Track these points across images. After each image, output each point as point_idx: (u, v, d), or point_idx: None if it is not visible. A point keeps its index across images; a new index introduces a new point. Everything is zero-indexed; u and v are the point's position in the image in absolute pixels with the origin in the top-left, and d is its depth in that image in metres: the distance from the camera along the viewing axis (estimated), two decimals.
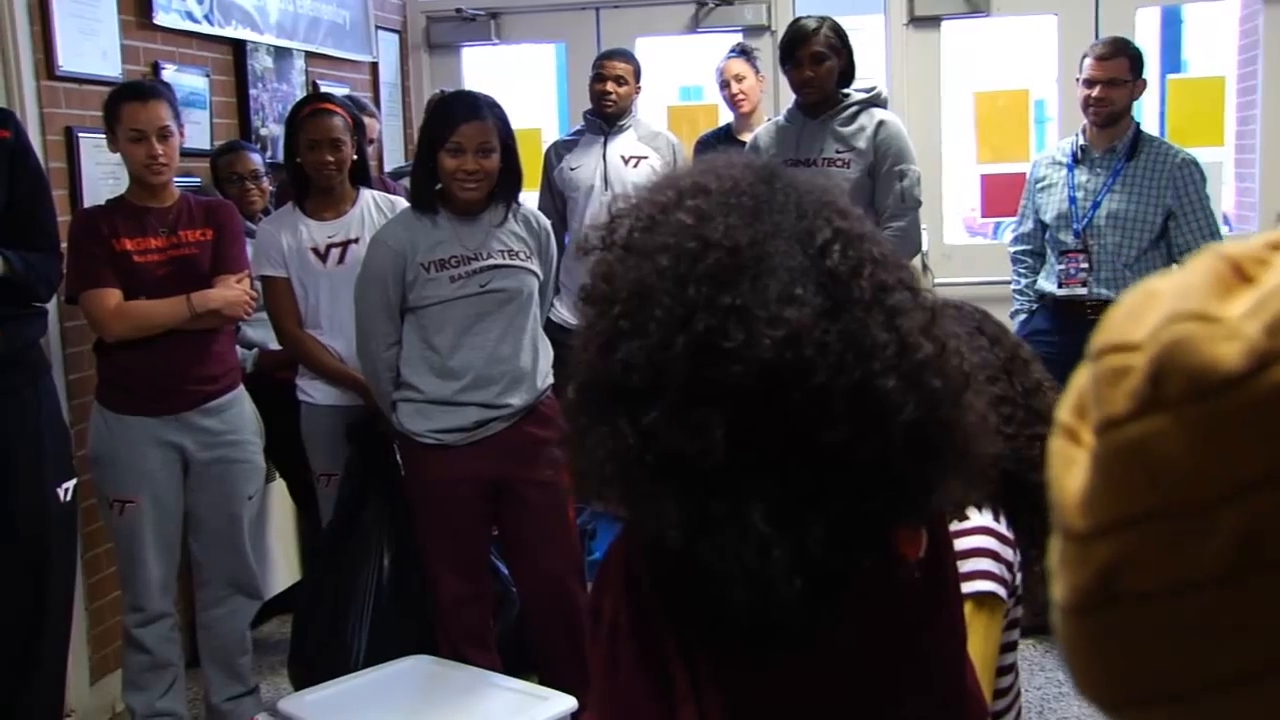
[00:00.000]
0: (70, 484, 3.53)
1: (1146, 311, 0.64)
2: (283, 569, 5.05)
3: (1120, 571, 0.62)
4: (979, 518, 1.93)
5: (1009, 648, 2.00)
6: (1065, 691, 4.27)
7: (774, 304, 1.17)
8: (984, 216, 7.16)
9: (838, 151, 4.40)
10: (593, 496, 1.33)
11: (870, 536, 1.28)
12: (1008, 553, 1.97)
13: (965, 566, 1.77)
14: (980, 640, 1.79)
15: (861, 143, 4.39)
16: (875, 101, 4.50)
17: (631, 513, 1.28)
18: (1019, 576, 1.99)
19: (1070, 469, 0.66)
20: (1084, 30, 6.41)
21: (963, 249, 6.73)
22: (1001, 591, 1.92)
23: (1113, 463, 0.62)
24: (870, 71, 6.09)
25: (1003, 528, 1.98)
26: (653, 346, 1.18)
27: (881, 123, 4.42)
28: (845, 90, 4.49)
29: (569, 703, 3.46)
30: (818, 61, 4.41)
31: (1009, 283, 5.80)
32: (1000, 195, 6.45)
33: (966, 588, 1.71)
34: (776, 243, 1.21)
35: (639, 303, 1.21)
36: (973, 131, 6.56)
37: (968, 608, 1.60)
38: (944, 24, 6.58)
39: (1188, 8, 6.64)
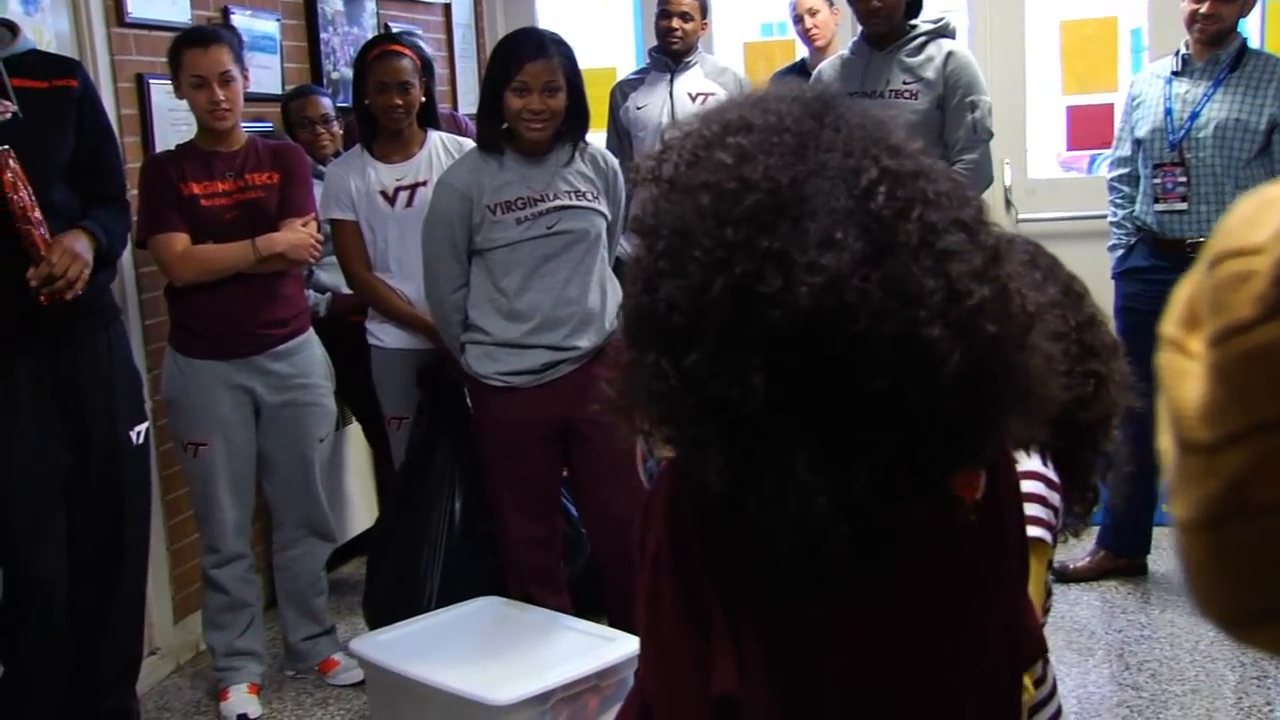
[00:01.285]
0: (142, 427, 3.57)
1: (1265, 216, 0.62)
2: (361, 511, 5.09)
3: (1251, 481, 0.61)
4: (1028, 462, 1.90)
5: (1047, 592, 1.98)
6: (1146, 634, 4.22)
7: (813, 248, 1.13)
8: (1069, 149, 6.97)
9: (905, 83, 4.29)
10: (637, 432, 1.31)
11: (922, 483, 1.26)
12: (1055, 497, 1.95)
13: None
14: (1032, 585, 1.77)
15: (930, 73, 4.28)
16: (943, 32, 4.37)
17: (678, 452, 1.26)
18: (1060, 521, 1.97)
19: (1184, 381, 0.66)
20: None
21: (1047, 183, 6.57)
22: (1049, 537, 1.91)
23: (1238, 370, 0.62)
24: (953, 2, 5.95)
25: (1050, 471, 1.95)
26: (693, 288, 1.16)
27: (950, 53, 4.29)
28: (913, 21, 4.37)
29: (636, 644, 3.46)
30: None
31: (1096, 217, 5.67)
32: (1087, 127, 6.28)
33: None
34: (820, 182, 1.17)
35: (680, 241, 1.18)
36: (1058, 62, 6.39)
37: None
38: None
39: None
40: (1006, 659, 1.48)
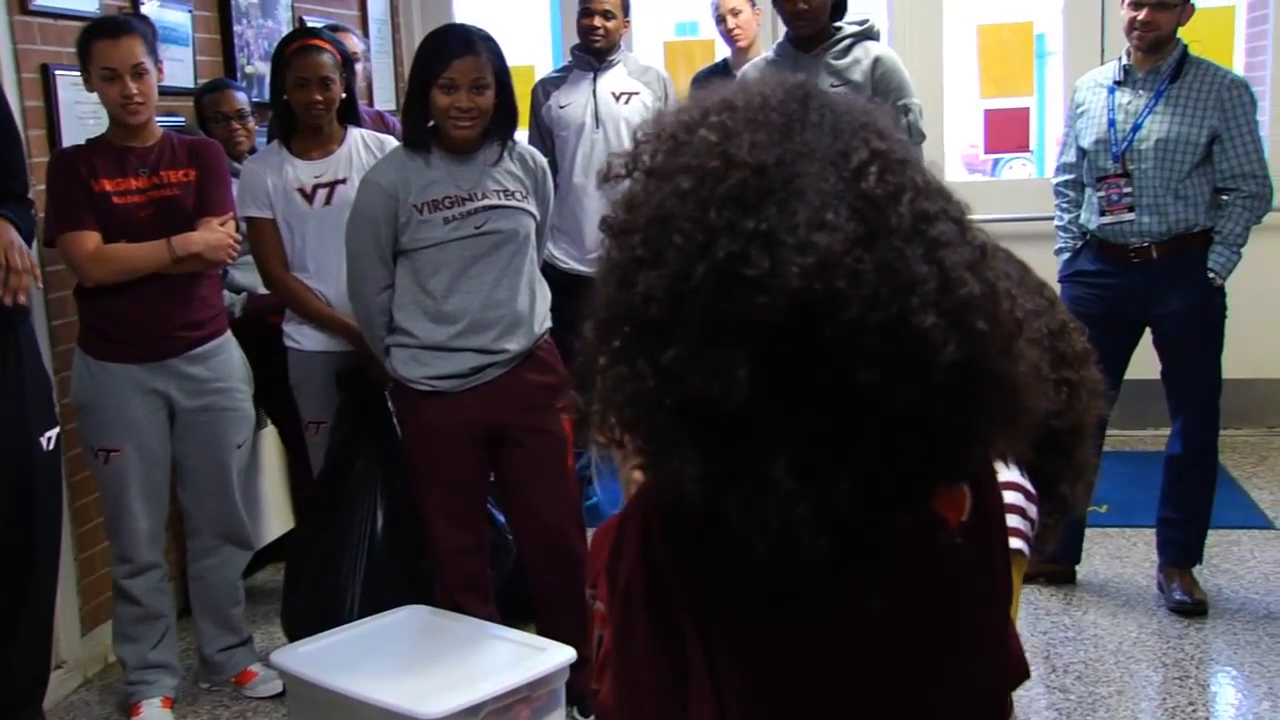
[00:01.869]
0: (53, 433, 3.46)
1: None
2: (275, 517, 4.97)
3: None
4: (1007, 473, 1.85)
5: None
6: (1071, 636, 4.25)
7: (802, 229, 1.07)
8: (986, 152, 7.03)
9: (832, 85, 4.22)
10: (613, 443, 1.25)
11: (904, 494, 1.19)
12: (1032, 509, 1.91)
13: None
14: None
15: (857, 75, 4.25)
16: (869, 34, 4.35)
17: (652, 462, 1.20)
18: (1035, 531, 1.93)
19: None
20: None
21: (964, 187, 6.60)
22: (1026, 549, 1.87)
23: None
24: (873, 5, 5.95)
25: (1027, 482, 1.91)
26: (672, 276, 1.10)
27: (878, 58, 4.27)
28: (837, 24, 4.34)
29: (568, 654, 3.43)
30: None
31: (1009, 220, 5.70)
32: (1004, 131, 6.33)
33: None
34: (807, 163, 1.11)
35: (659, 229, 1.12)
36: (975, 65, 6.43)
37: None
38: None
39: None
40: (993, 680, 1.44)
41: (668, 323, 1.10)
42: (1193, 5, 4.34)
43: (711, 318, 1.08)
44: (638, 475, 1.70)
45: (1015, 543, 1.83)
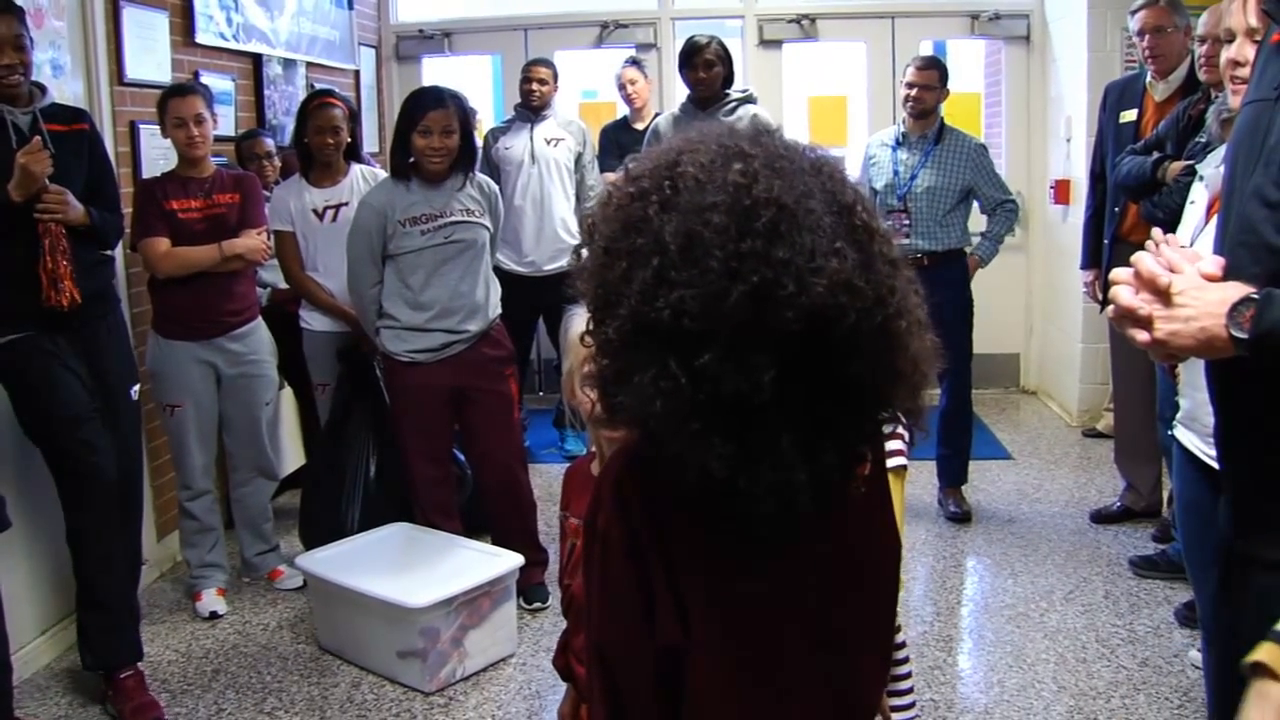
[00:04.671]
0: (137, 387, 3.43)
1: None
2: (291, 455, 4.90)
3: None
4: None
5: None
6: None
7: (820, 256, 0.99)
8: None
9: None
10: (631, 426, 1.11)
11: (858, 456, 1.15)
12: (905, 431, 1.87)
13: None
14: (896, 503, 1.70)
15: None
16: (749, 99, 4.43)
17: (674, 445, 1.04)
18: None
19: None
20: (885, 54, 6.43)
21: None
22: (906, 462, 1.85)
23: None
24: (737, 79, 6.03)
25: None
26: (708, 295, 0.98)
27: (754, 115, 4.32)
28: (727, 91, 4.41)
29: (516, 559, 3.46)
30: (709, 67, 4.32)
31: None
32: None
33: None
34: (813, 202, 1.02)
35: (691, 255, 1.00)
36: (807, 126, 6.55)
37: (890, 478, 1.39)
38: (785, 46, 6.55)
39: (950, 42, 6.77)
40: (888, 596, 1.35)
41: (701, 333, 0.99)
42: (949, 90, 4.51)
43: (743, 329, 0.98)
44: (605, 434, 1.68)
45: (899, 460, 1.79)
